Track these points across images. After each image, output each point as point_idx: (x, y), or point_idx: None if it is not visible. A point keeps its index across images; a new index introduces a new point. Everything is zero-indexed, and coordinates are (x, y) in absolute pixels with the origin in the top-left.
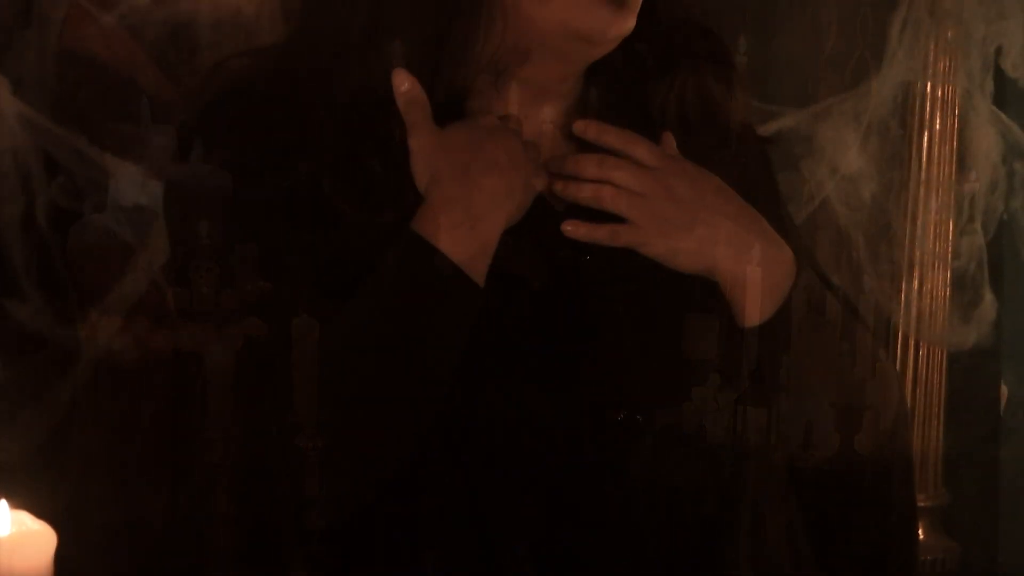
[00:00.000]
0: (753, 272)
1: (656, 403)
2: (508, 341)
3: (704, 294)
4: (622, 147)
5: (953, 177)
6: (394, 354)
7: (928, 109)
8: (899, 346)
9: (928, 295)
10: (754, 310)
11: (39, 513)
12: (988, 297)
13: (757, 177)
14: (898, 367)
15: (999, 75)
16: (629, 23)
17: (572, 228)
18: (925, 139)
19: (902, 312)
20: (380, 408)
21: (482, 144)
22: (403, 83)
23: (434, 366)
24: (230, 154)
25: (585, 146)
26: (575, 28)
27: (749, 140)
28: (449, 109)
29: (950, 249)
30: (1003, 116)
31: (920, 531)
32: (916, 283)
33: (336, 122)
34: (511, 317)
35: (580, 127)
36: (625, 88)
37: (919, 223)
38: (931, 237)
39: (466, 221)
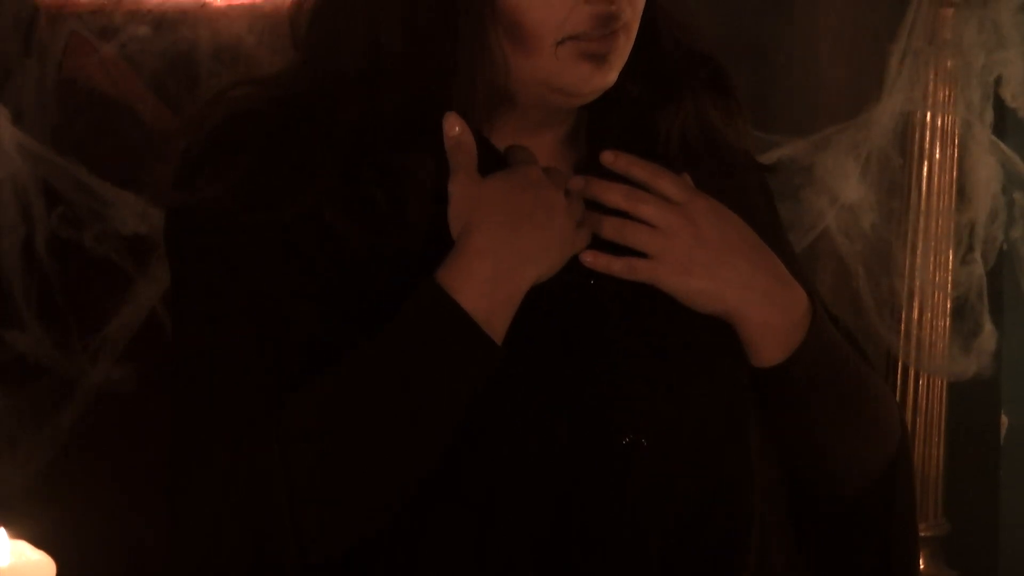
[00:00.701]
0: (768, 315)
1: (664, 426)
2: (514, 362)
3: (718, 321)
4: (649, 180)
5: (953, 207)
6: (400, 404)
7: (928, 139)
8: (899, 376)
9: (928, 325)
10: (770, 353)
11: (38, 543)
12: (988, 327)
13: (759, 206)
14: (898, 397)
15: (999, 105)
16: (609, 78)
17: (591, 259)
18: (925, 169)
19: (902, 342)
20: (379, 458)
21: (522, 198)
22: (454, 127)
23: (440, 420)
24: (233, 181)
25: (581, 169)
26: (555, 83)
27: (750, 168)
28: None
29: (950, 279)
30: (1003, 146)
31: (921, 561)
32: (916, 313)
33: (339, 151)
34: (518, 338)
35: (609, 158)
36: (629, 115)
37: (919, 253)
38: (931, 267)
39: (493, 276)
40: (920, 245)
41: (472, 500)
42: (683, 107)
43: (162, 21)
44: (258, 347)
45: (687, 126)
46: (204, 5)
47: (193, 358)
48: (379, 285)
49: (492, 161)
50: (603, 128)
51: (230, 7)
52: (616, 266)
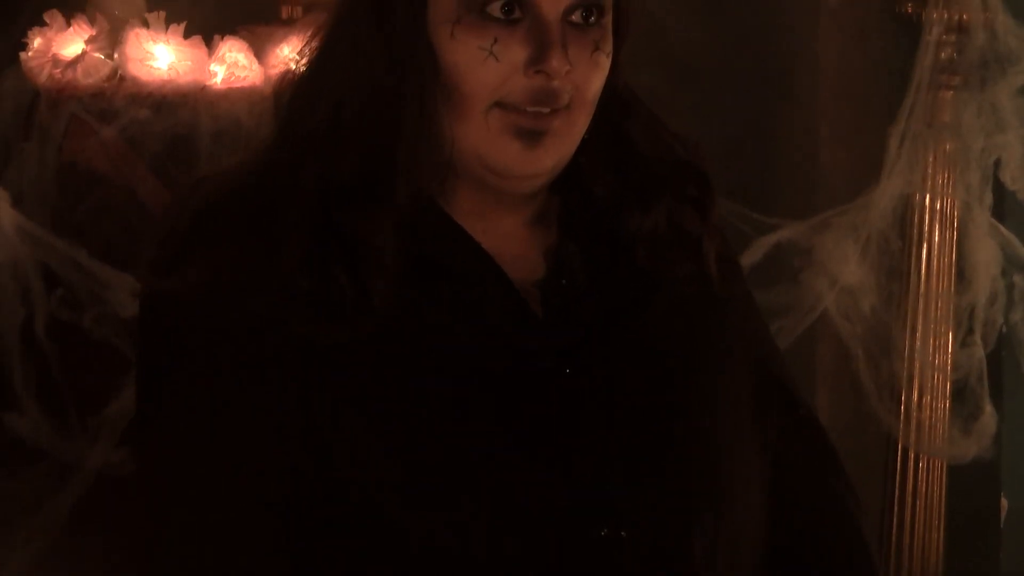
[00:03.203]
0: None
1: (643, 518)
2: (490, 454)
3: (696, 413)
4: None
5: (952, 289)
6: None
7: (927, 221)
8: (899, 458)
9: (928, 407)
10: None
11: None
12: (988, 409)
13: (732, 291)
14: (898, 479)
15: (998, 187)
16: (543, 162)
17: None
18: (924, 251)
19: (902, 424)
20: None
21: None
22: None
23: None
24: (207, 274)
25: (551, 254)
26: (486, 158)
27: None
28: (414, 209)
29: (950, 361)
30: (1002, 229)
31: None
32: (916, 395)
33: (302, 220)
34: (493, 430)
35: None
36: (595, 208)
37: (919, 335)
38: (931, 349)
39: None
40: (920, 328)
41: None
42: (653, 214)
43: (162, 104)
44: (232, 449)
45: (658, 225)
46: (204, 88)
47: (164, 465)
48: (349, 376)
49: (449, 232)
50: (572, 215)
51: (230, 90)
52: None
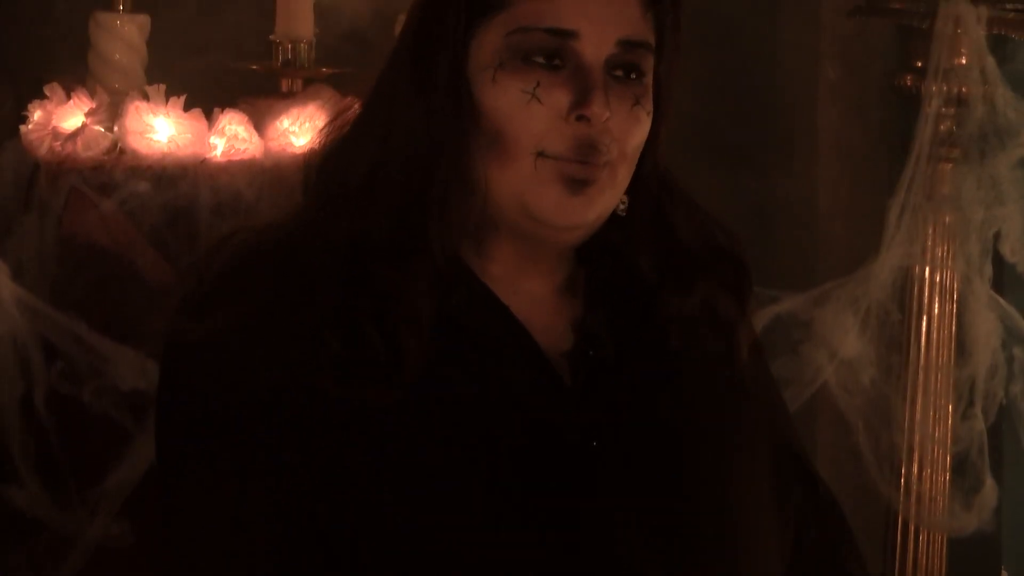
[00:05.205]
0: None
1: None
2: (508, 520)
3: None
4: None
5: (953, 362)
6: None
7: (927, 294)
8: (899, 531)
9: (928, 480)
10: None
11: None
12: (989, 483)
13: (757, 374)
14: (898, 553)
15: (998, 260)
16: (584, 214)
17: None
18: (924, 324)
19: (902, 497)
20: None
21: None
22: None
23: None
24: (235, 323)
25: (579, 325)
26: (529, 202)
27: (741, 326)
28: (448, 270)
29: (950, 434)
30: (1002, 301)
31: None
32: (916, 468)
33: (335, 275)
34: (512, 496)
35: None
36: (625, 282)
37: (919, 408)
38: (931, 422)
39: None
40: (920, 400)
41: None
42: (691, 298)
43: (162, 177)
44: (252, 501)
45: (693, 309)
46: (204, 161)
47: (182, 509)
48: (372, 436)
49: (480, 297)
50: (599, 287)
51: (230, 162)
52: None
